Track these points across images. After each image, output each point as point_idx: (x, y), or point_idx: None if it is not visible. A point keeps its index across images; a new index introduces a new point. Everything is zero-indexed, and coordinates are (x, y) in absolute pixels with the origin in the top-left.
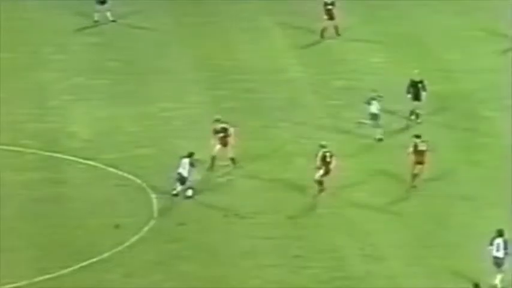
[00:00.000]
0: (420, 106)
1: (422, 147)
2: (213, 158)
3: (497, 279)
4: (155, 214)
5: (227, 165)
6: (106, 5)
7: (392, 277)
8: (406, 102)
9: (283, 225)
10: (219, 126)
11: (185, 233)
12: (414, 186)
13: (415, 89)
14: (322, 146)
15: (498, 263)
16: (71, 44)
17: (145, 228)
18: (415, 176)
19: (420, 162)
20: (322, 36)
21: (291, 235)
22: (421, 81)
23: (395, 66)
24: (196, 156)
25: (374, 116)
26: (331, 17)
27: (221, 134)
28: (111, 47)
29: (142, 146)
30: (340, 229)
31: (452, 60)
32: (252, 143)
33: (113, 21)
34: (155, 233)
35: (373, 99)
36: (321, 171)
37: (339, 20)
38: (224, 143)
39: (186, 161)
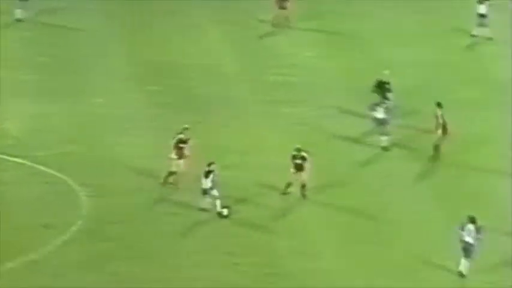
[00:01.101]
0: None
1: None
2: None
3: (463, 266)
4: (84, 213)
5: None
6: (26, 2)
7: (327, 272)
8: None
9: (216, 222)
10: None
11: (116, 232)
12: None
13: (382, 89)
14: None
15: (467, 248)
16: (1, 39)
17: (74, 228)
18: None
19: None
20: (273, 25)
21: (224, 232)
22: (387, 82)
23: (330, 61)
24: (128, 153)
25: (379, 121)
26: (282, 6)
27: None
28: (41, 43)
29: (73, 143)
30: (274, 225)
31: (393, 55)
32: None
33: (19, 20)
34: (85, 232)
35: (377, 105)
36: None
37: (290, 10)
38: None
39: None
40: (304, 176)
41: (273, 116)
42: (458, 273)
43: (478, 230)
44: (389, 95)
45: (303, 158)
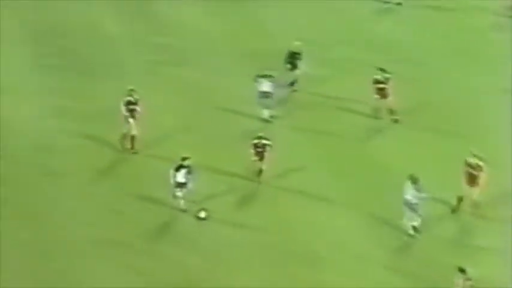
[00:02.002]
0: (298, 76)
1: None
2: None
3: (414, 223)
4: None
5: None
6: None
7: None
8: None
9: (100, 181)
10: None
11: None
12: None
13: (293, 59)
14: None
15: (412, 207)
16: None
17: None
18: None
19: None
20: None
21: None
22: (299, 53)
23: (215, 24)
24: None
25: (263, 94)
26: None
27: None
28: None
29: None
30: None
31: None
32: (74, 102)
33: None
34: None
35: (262, 77)
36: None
37: None
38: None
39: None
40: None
41: (157, 77)
42: (409, 233)
43: (419, 189)
44: (300, 65)
45: (264, 146)
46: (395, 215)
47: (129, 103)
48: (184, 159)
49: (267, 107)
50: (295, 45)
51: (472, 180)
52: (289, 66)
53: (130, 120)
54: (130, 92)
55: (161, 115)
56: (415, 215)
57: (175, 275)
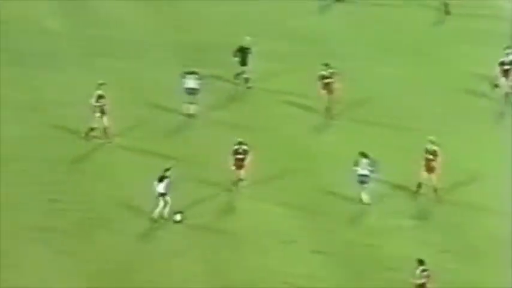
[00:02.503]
0: (247, 70)
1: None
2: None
3: (364, 196)
4: None
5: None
6: None
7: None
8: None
9: (40, 170)
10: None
11: None
12: None
13: (243, 54)
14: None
15: (364, 180)
16: None
17: None
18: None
19: None
20: None
21: (48, 180)
22: (248, 48)
23: (149, 17)
24: None
25: (189, 90)
26: None
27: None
28: None
29: None
30: (98, 176)
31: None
32: (12, 92)
33: None
34: None
35: (189, 73)
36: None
37: None
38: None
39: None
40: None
41: (92, 68)
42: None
43: (371, 163)
44: (248, 58)
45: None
46: (327, 203)
47: (99, 97)
48: (166, 170)
49: (192, 103)
50: (246, 40)
51: (430, 167)
52: (238, 59)
53: (98, 114)
54: (100, 85)
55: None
56: (366, 187)
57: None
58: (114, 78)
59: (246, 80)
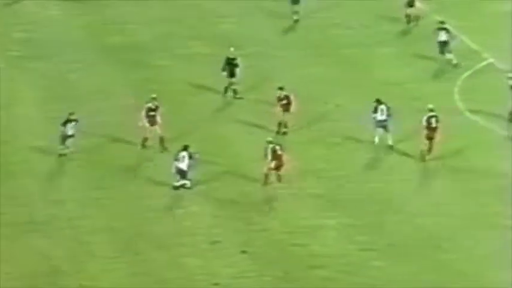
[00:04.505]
0: (236, 82)
1: None
2: None
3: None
4: None
5: None
6: None
7: (71, 219)
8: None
9: None
10: None
11: None
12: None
13: (231, 66)
14: (270, 142)
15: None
16: None
17: None
18: None
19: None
20: None
21: None
22: (235, 58)
23: (71, 18)
24: None
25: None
26: None
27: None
28: None
29: None
30: (29, 175)
31: (127, 12)
32: None
33: None
34: None
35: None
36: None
37: None
38: None
39: (184, 154)
40: None
41: (20, 70)
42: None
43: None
44: (237, 70)
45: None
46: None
47: (149, 110)
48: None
49: None
50: (231, 51)
51: (431, 134)
52: (226, 74)
53: (147, 125)
54: (152, 100)
55: (25, 107)
56: (386, 131)
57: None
58: (40, 80)
59: (235, 91)
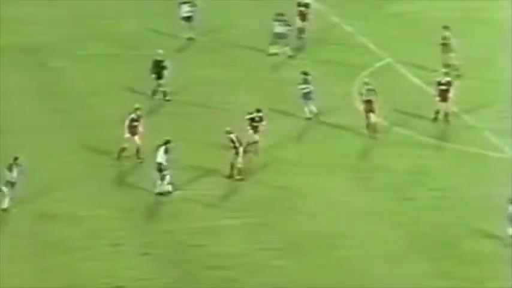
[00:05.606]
0: (164, 84)
1: None
2: None
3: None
4: None
5: None
6: None
7: None
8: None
9: None
10: None
11: None
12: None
13: (158, 68)
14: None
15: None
16: None
17: None
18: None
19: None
20: None
21: None
22: (162, 61)
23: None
24: None
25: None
26: None
27: None
28: None
29: None
30: None
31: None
32: None
33: None
34: None
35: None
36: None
37: None
38: None
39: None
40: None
41: None
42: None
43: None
44: (164, 72)
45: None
46: (152, 203)
47: (132, 120)
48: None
49: None
50: (159, 53)
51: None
52: (154, 76)
53: (128, 135)
54: (135, 110)
55: None
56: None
57: None
58: None
59: (165, 93)
